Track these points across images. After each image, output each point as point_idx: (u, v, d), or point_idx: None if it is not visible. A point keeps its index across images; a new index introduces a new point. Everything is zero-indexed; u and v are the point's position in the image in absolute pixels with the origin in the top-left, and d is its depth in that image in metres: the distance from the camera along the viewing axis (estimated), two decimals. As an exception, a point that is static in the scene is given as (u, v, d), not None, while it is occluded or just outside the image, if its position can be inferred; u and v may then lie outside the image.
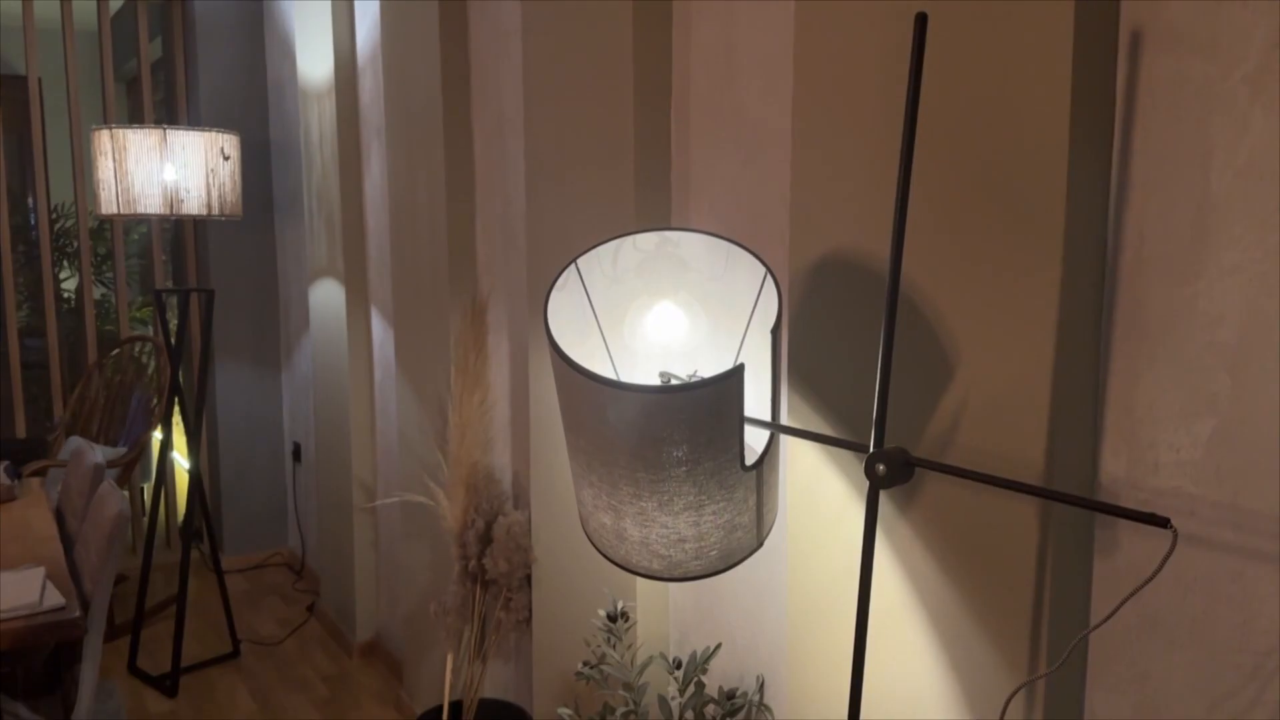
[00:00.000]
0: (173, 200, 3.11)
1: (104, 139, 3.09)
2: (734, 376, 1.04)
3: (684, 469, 1.11)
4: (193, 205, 3.15)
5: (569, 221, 2.05)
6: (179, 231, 4.61)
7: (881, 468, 1.01)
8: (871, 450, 1.02)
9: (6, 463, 2.98)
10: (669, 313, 1.21)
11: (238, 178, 3.29)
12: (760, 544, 1.28)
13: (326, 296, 3.64)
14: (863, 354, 1.32)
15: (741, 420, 1.09)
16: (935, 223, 1.21)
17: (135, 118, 5.69)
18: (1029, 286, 1.13)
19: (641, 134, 1.83)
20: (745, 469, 1.15)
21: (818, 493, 1.41)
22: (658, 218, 1.86)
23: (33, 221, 5.47)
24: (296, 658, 3.59)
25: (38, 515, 2.71)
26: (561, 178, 2.07)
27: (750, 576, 1.76)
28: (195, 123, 4.39)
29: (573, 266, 1.16)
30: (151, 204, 3.10)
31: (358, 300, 3.48)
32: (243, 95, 4.41)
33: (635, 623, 1.89)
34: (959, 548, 1.23)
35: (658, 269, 1.19)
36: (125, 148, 3.07)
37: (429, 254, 2.78)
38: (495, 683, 2.80)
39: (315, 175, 3.66)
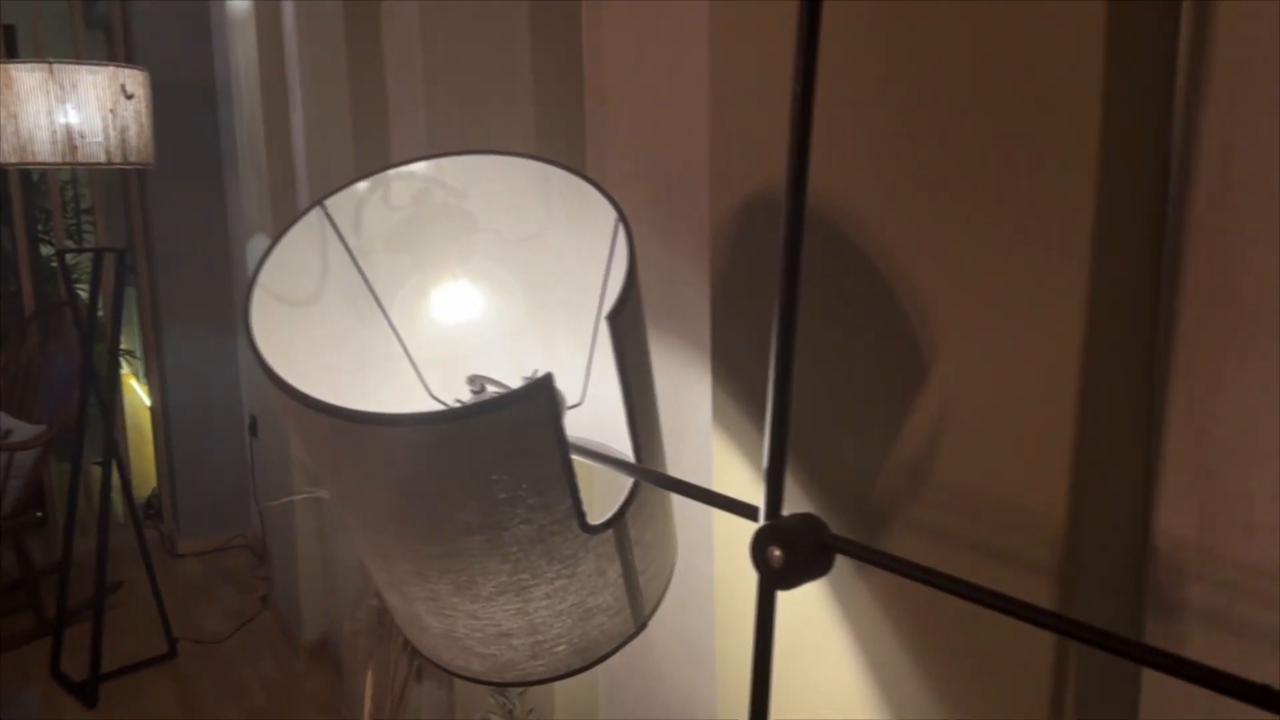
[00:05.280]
0: (67, 146, 2.71)
1: (-12, 78, 2.69)
2: (536, 395, 0.62)
3: (480, 537, 0.69)
4: (92, 151, 2.74)
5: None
6: (126, 187, 4.21)
7: (778, 553, 0.58)
8: (761, 523, 0.60)
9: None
10: (461, 293, 0.79)
11: (146, 120, 2.88)
12: (641, 626, 0.86)
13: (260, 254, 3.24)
14: (825, 344, 0.89)
15: (566, 460, 0.67)
16: (897, 143, 0.78)
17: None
18: (1044, 240, 0.69)
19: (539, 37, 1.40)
20: (589, 530, 0.73)
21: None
22: (566, 142, 1.43)
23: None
24: (239, 659, 3.24)
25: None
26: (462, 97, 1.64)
27: (679, 623, 1.36)
28: (134, 63, 3.98)
29: (316, 212, 0.73)
30: (43, 150, 2.70)
31: (294, 259, 3.07)
32: (181, 30, 3.99)
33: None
34: (941, 638, 0.81)
35: (426, 226, 0.76)
36: (9, 86, 2.67)
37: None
38: (433, 704, 2.43)
39: (244, 119, 3.24)
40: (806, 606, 0.95)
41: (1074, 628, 0.45)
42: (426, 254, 0.75)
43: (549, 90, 1.43)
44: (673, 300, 1.21)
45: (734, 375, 1.00)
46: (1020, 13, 0.69)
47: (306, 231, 0.74)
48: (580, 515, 0.71)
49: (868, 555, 0.58)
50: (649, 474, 0.70)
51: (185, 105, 4.01)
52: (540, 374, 0.62)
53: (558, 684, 1.57)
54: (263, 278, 0.70)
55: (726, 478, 1.03)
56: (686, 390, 1.19)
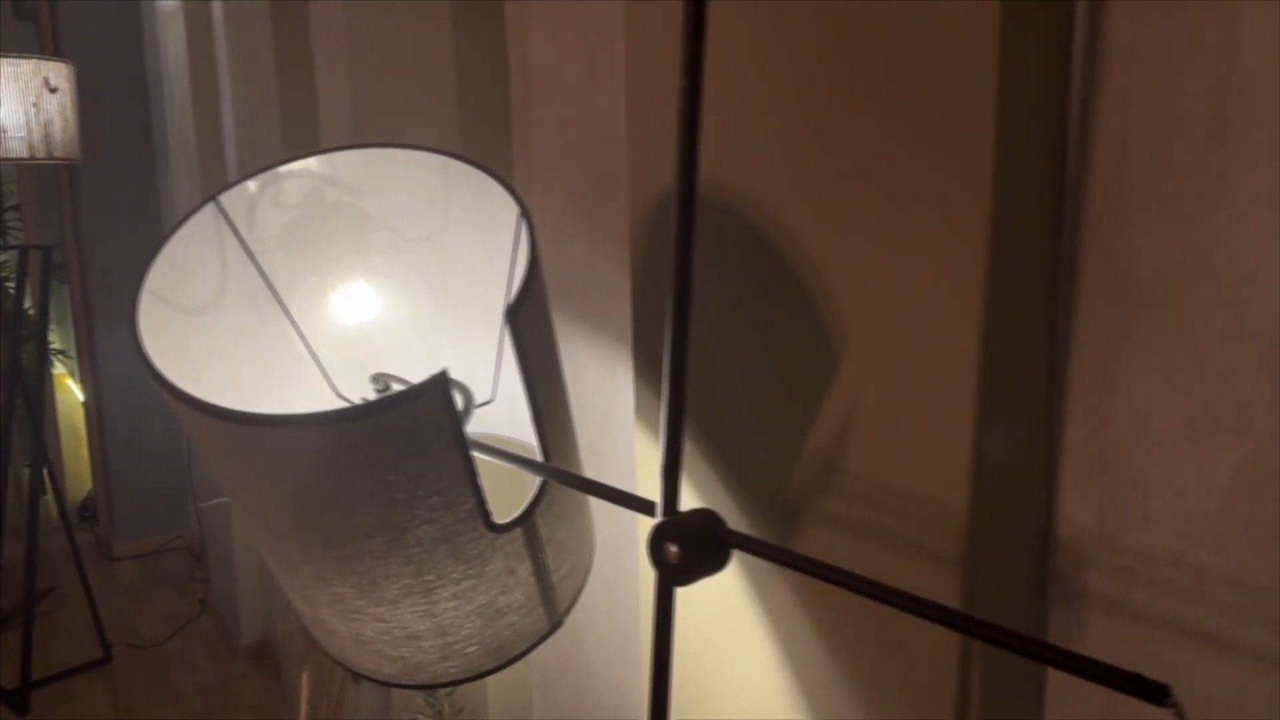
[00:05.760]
0: (-14, 142, 2.64)
1: (-96, 71, 2.61)
2: (429, 394, 0.61)
3: (381, 539, 0.68)
4: (13, 147, 2.67)
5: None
6: (56, 183, 4.11)
7: (675, 549, 0.58)
8: (659, 519, 0.59)
9: None
10: (361, 294, 0.77)
11: (71, 114, 2.81)
12: (557, 624, 0.86)
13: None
14: (740, 338, 0.89)
15: (467, 458, 0.66)
16: (805, 139, 0.78)
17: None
18: (942, 235, 0.70)
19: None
20: (496, 529, 0.72)
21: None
22: (494, 140, 1.42)
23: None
24: (177, 662, 3.18)
25: None
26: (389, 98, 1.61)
27: (609, 620, 1.35)
28: (63, 56, 3.88)
29: (211, 208, 0.72)
30: (-41, 146, 2.63)
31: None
32: (111, 23, 3.90)
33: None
34: (854, 631, 0.81)
35: (319, 225, 0.74)
36: (-75, 81, 2.59)
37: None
38: (370, 705, 2.41)
39: (175, 114, 3.18)
40: (728, 600, 0.95)
41: (940, 613, 0.45)
42: (321, 254, 0.74)
43: (474, 89, 1.42)
44: (598, 296, 1.21)
45: (656, 370, 0.99)
46: (918, 11, 0.69)
47: (202, 229, 0.72)
48: (485, 514, 0.70)
49: (762, 550, 0.58)
50: (546, 470, 0.70)
51: (116, 100, 3.93)
52: (436, 371, 0.61)
53: (491, 683, 1.56)
54: (154, 278, 0.68)
55: (650, 473, 1.02)
56: (612, 386, 1.19)
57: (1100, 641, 0.72)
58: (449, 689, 1.29)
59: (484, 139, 1.42)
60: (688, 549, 0.58)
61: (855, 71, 0.73)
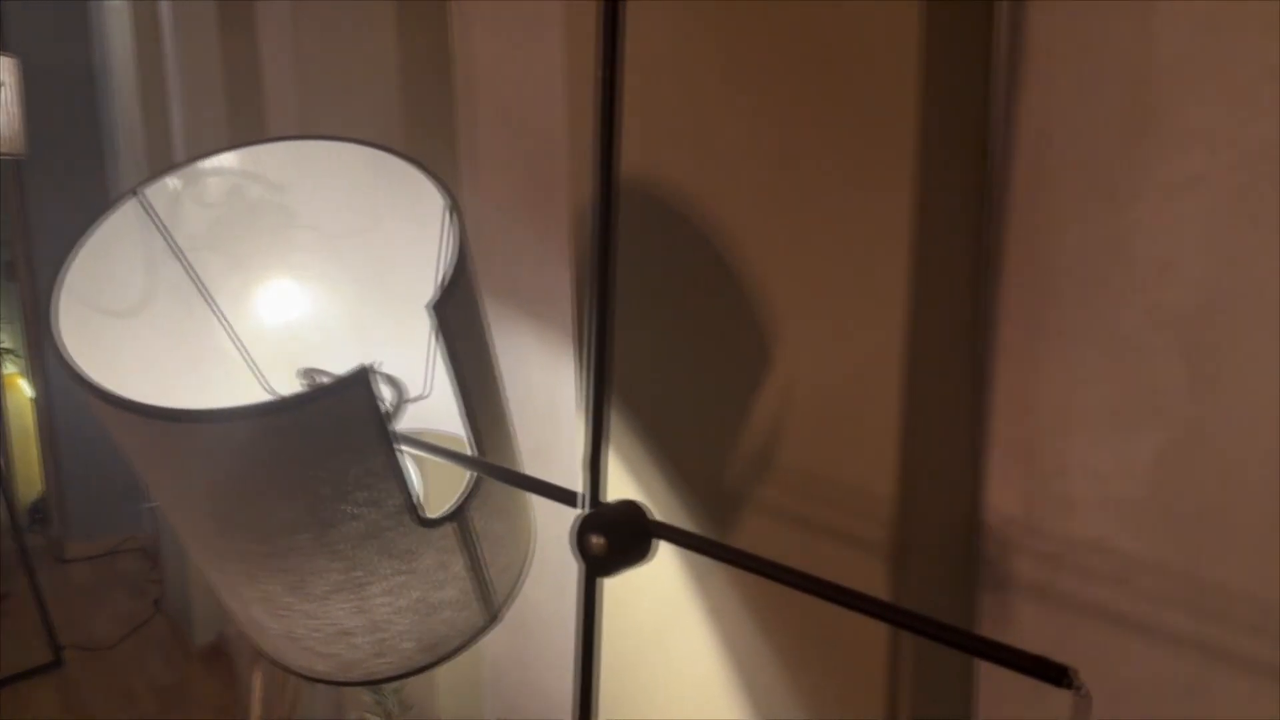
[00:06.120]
0: (-73, 138, 2.59)
1: None
2: (347, 388, 0.60)
3: (307, 535, 0.67)
4: (-44, 143, 2.63)
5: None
6: (4, 178, 4.04)
7: (600, 540, 0.58)
8: (584, 510, 0.59)
9: None
10: (288, 291, 0.77)
11: (16, 109, 2.76)
12: (494, 618, 0.85)
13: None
14: (678, 331, 0.89)
15: (392, 453, 0.65)
16: (738, 134, 0.78)
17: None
18: (867, 228, 0.70)
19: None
20: (427, 524, 0.72)
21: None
22: (440, 136, 1.41)
23: None
24: (130, 665, 3.14)
25: None
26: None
27: (557, 612, 1.35)
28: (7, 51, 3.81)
29: (133, 202, 0.71)
30: (-99, 142, 2.58)
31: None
32: (59, 18, 3.83)
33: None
34: (787, 617, 0.82)
35: (242, 222, 0.74)
36: None
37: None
38: (325, 704, 2.39)
39: (123, 111, 3.13)
40: (670, 593, 0.95)
41: (853, 599, 0.45)
42: (246, 252, 0.73)
43: (419, 86, 1.41)
44: (542, 290, 1.21)
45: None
46: (844, 10, 0.69)
47: (125, 224, 0.72)
48: (414, 509, 0.70)
49: (686, 540, 0.58)
50: (470, 462, 0.69)
51: (64, 95, 3.87)
52: (358, 366, 0.61)
53: (441, 680, 1.56)
54: (75, 275, 0.67)
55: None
56: (556, 380, 1.19)
57: (1029, 627, 0.73)
58: (396, 687, 1.28)
59: (428, 135, 1.41)
60: (612, 540, 0.58)
61: (782, 66, 0.73)
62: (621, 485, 0.95)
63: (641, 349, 0.90)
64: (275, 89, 2.10)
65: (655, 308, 0.88)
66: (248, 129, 2.19)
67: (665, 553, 0.92)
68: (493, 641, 1.51)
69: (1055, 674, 0.43)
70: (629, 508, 0.59)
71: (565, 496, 0.61)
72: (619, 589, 1.00)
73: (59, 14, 3.84)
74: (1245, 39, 0.57)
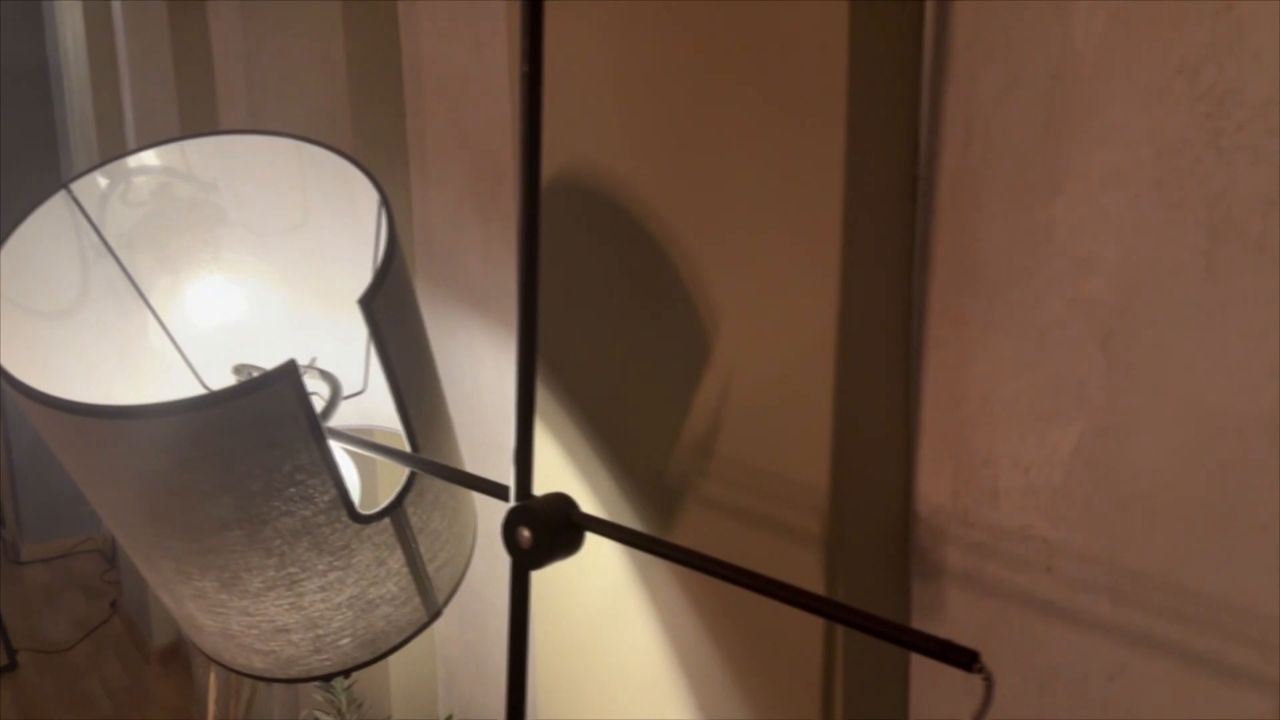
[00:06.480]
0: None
1: None
2: (277, 381, 0.60)
3: (238, 532, 0.67)
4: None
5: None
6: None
7: (527, 533, 0.59)
8: (512, 503, 0.60)
9: None
10: (219, 289, 0.77)
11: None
12: (435, 614, 0.86)
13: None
14: (621, 325, 0.90)
15: (324, 448, 0.65)
16: (675, 129, 0.79)
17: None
18: (799, 215, 0.71)
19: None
20: (361, 520, 0.72)
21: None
22: (391, 133, 1.40)
23: None
24: (86, 667, 3.11)
25: None
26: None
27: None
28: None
29: (62, 196, 0.70)
30: None
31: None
32: (11, 12, 3.78)
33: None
34: (724, 602, 0.82)
35: (170, 221, 0.73)
36: None
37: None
38: (281, 703, 2.38)
39: (76, 108, 3.10)
40: (614, 586, 0.96)
41: (772, 587, 0.46)
42: (176, 250, 0.73)
43: (368, 84, 1.40)
44: (492, 285, 1.21)
45: (551, 360, 0.99)
46: (773, 7, 0.70)
47: (54, 219, 0.71)
48: (348, 505, 0.70)
49: (612, 532, 0.58)
50: (399, 456, 0.70)
51: (17, 91, 3.81)
52: (285, 361, 0.61)
53: (394, 677, 1.55)
54: (4, 275, 0.67)
55: (548, 462, 1.02)
56: (508, 377, 1.19)
57: (959, 615, 0.74)
58: (346, 684, 1.28)
59: (378, 133, 1.40)
60: (540, 533, 0.58)
61: (715, 62, 0.74)
62: (565, 479, 0.95)
63: (582, 341, 0.91)
64: (226, 87, 2.08)
65: (596, 301, 0.88)
66: (200, 126, 2.17)
67: (611, 543, 0.93)
68: (445, 638, 1.52)
69: (963, 658, 0.44)
70: (557, 500, 0.60)
71: (497, 490, 0.62)
72: (571, 577, 1.01)
73: (10, 10, 3.78)
74: (1157, 34, 0.59)
